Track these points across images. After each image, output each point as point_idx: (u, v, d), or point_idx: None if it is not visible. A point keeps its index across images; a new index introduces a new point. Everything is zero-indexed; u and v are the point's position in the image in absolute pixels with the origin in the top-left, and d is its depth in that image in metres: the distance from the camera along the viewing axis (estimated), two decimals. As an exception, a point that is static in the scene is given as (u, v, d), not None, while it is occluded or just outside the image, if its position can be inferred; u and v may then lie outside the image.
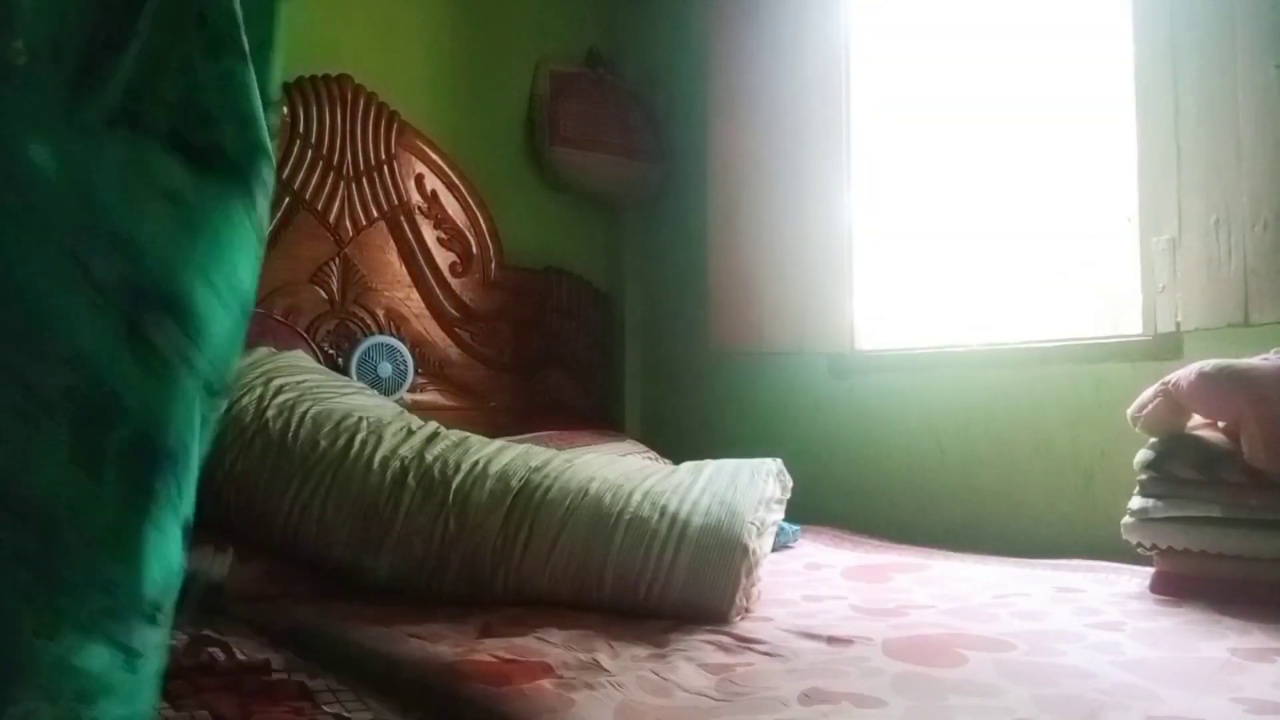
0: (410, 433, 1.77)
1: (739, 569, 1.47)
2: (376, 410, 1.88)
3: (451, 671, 1.15)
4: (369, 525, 1.61)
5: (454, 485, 1.63)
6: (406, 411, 2.00)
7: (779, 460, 1.81)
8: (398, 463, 1.67)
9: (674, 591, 1.47)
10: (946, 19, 2.46)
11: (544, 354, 2.84)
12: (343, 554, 1.62)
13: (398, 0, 2.68)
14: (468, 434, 1.83)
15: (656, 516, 1.54)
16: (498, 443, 1.80)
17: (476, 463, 1.68)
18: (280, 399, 1.82)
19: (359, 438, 1.71)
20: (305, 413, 1.77)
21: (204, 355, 0.67)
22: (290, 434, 1.72)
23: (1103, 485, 1.97)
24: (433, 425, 1.84)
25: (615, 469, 1.70)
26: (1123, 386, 1.86)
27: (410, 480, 1.64)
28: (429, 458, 1.68)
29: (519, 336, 2.79)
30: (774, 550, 2.06)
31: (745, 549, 1.49)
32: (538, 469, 1.67)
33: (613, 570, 1.51)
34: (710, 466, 1.74)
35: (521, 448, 1.78)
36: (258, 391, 1.82)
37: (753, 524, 1.55)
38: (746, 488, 1.65)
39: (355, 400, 1.95)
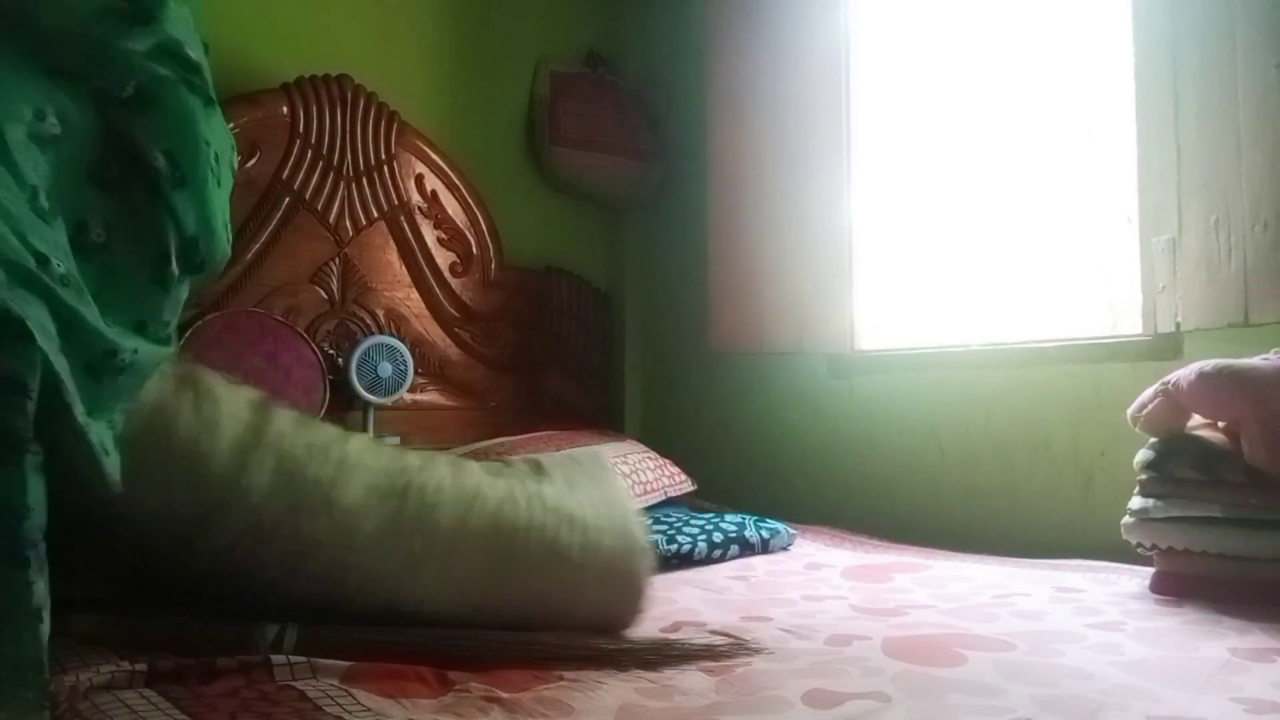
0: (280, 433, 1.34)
1: (645, 573, 1.39)
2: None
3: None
4: (207, 509, 1.23)
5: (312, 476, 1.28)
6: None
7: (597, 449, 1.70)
8: (248, 444, 1.28)
9: (585, 603, 1.35)
10: (947, 19, 2.45)
11: (544, 354, 2.84)
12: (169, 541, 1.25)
13: (397, 0, 2.68)
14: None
15: (564, 526, 1.36)
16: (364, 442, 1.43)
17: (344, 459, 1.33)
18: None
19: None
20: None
21: None
22: None
23: (1103, 485, 1.97)
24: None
25: (470, 472, 1.43)
26: (1123, 386, 1.86)
27: (266, 461, 1.26)
28: (293, 447, 1.31)
29: (519, 336, 2.79)
30: (773, 551, 2.07)
31: (647, 551, 1.41)
32: (420, 469, 1.37)
33: (516, 585, 1.32)
34: (558, 466, 1.52)
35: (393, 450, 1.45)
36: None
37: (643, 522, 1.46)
38: (617, 484, 1.54)
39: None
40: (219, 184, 1.22)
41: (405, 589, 1.27)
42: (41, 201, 0.99)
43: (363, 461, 1.31)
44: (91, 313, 1.00)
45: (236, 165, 1.40)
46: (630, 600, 1.37)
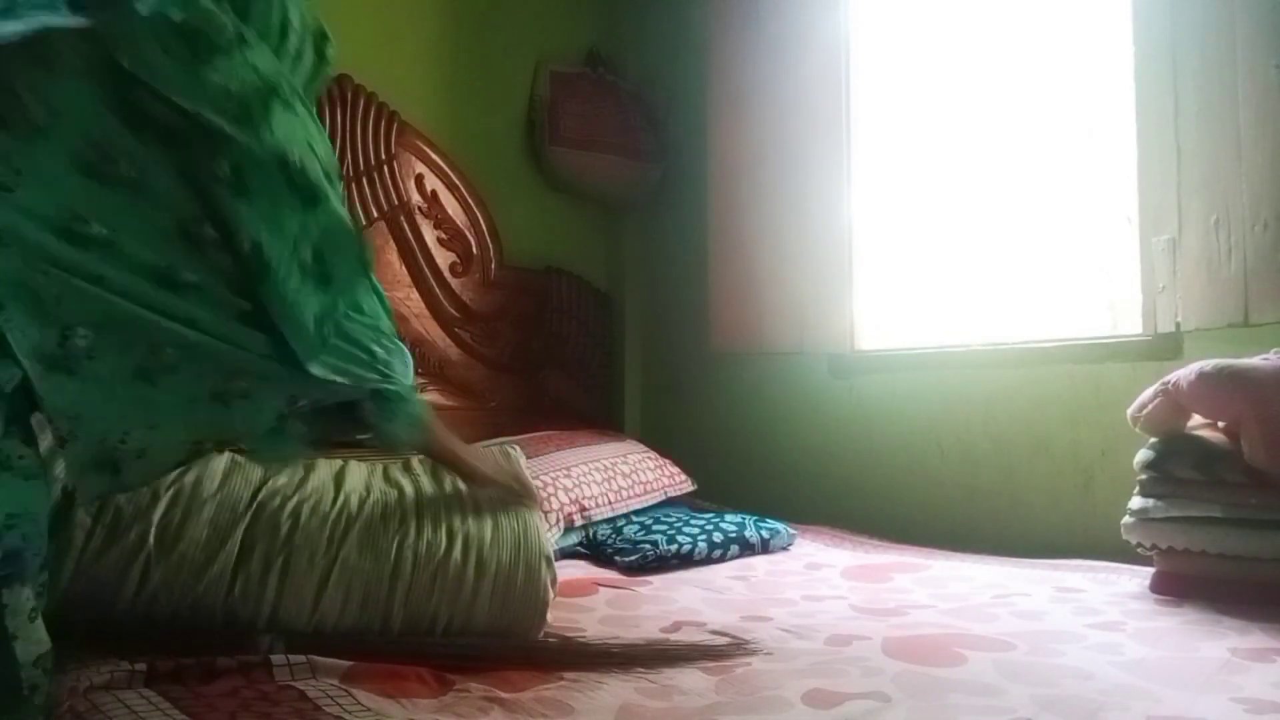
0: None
1: (546, 579, 1.36)
2: None
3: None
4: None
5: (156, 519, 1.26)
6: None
7: (515, 446, 1.69)
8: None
9: (478, 620, 1.31)
10: (947, 19, 2.45)
11: (544, 354, 2.84)
12: None
13: (398, 0, 2.68)
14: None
15: (445, 540, 1.34)
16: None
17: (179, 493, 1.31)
18: None
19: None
20: None
21: None
22: None
23: (1103, 485, 1.97)
24: None
25: (355, 490, 1.42)
26: (1123, 386, 1.86)
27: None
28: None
29: (519, 336, 2.79)
30: (773, 551, 2.07)
31: (548, 558, 1.38)
32: (292, 489, 1.36)
33: (402, 605, 1.29)
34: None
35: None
36: None
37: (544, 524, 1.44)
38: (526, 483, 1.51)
39: None
40: (325, 285, 1.09)
41: (276, 618, 1.24)
42: (94, 227, 0.94)
43: (216, 492, 1.29)
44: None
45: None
46: (530, 614, 1.33)
